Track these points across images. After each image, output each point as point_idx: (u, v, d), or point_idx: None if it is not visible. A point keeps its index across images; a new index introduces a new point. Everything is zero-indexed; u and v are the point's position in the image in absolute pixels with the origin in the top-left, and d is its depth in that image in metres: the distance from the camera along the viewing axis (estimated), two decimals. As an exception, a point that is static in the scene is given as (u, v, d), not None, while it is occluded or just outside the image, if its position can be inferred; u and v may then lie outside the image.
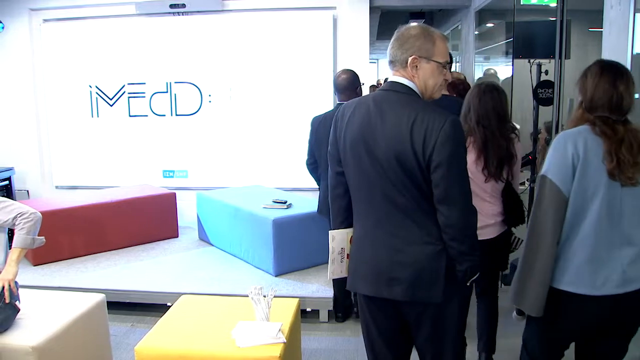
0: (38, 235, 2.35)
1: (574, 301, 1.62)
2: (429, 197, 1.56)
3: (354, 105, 1.68)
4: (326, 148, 2.83)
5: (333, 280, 3.26)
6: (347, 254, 1.79)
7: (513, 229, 2.51)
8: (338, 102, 3.24)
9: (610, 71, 1.63)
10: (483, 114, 2.31)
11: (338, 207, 1.80)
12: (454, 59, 5.73)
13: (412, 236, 1.60)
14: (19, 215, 2.28)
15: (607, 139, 1.57)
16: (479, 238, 1.78)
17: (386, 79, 4.78)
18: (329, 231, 1.79)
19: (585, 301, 1.60)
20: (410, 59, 1.58)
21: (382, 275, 1.63)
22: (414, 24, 1.66)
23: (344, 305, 3.30)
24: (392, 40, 1.63)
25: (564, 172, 1.59)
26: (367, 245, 1.68)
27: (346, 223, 1.80)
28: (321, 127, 3.17)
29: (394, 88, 1.61)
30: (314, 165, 3.34)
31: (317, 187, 3.45)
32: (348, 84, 3.06)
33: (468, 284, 1.70)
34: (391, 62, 1.64)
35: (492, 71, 4.92)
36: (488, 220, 2.35)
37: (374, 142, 1.58)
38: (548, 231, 1.61)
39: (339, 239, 1.79)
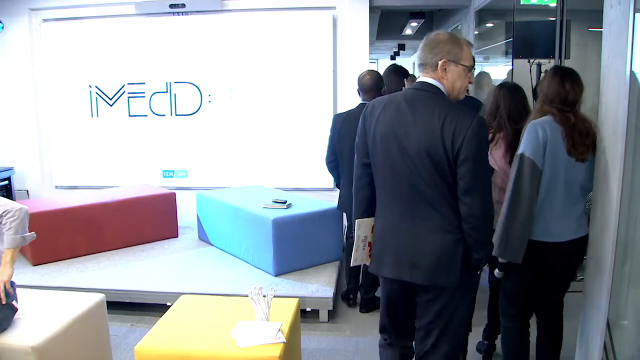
0: (29, 231, 2.28)
1: (545, 248, 2.12)
2: (453, 189, 1.70)
3: (384, 102, 1.82)
4: (350, 145, 3.06)
5: (350, 270, 3.47)
6: (369, 242, 1.91)
7: None
8: (361, 102, 3.27)
9: (560, 74, 2.16)
10: (515, 110, 2.44)
11: (362, 196, 1.91)
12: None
13: (434, 225, 1.74)
14: (4, 214, 2.20)
15: (563, 125, 2.07)
16: None
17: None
18: (356, 220, 1.89)
19: (551, 247, 2.12)
20: (440, 62, 1.72)
21: (404, 261, 1.78)
22: (442, 30, 1.80)
23: (364, 297, 3.41)
24: (422, 45, 1.77)
25: (537, 150, 2.05)
26: (391, 232, 1.82)
27: (368, 212, 1.91)
28: (344, 125, 3.23)
29: (424, 88, 1.76)
30: (334, 163, 3.36)
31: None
32: (373, 84, 3.18)
33: (479, 272, 1.88)
34: (421, 65, 1.78)
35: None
36: None
37: (406, 136, 1.72)
38: (527, 196, 2.05)
39: (364, 227, 1.89)
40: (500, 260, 2.22)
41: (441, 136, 1.65)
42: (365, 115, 1.86)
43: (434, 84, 1.74)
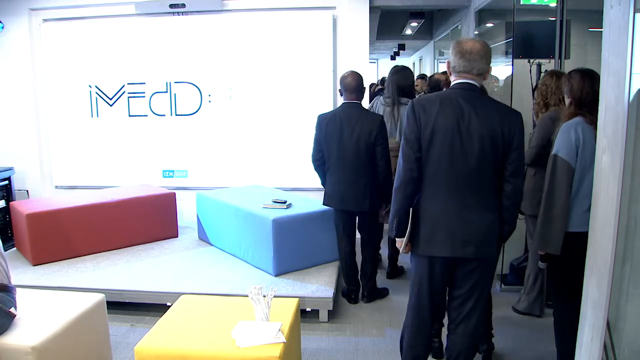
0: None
1: (577, 238, 2.21)
2: (498, 174, 2.05)
3: (437, 100, 2.06)
4: (335, 144, 3.30)
5: (344, 270, 3.59)
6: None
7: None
8: (345, 102, 3.33)
9: (589, 76, 2.32)
10: None
11: (413, 188, 2.11)
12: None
13: (480, 207, 2.06)
14: None
15: (593, 125, 2.14)
16: None
17: (383, 78, 4.83)
18: (410, 208, 2.11)
19: (582, 237, 2.14)
20: (488, 70, 2.08)
21: (457, 239, 2.05)
22: (476, 38, 2.05)
23: (366, 285, 3.54)
24: (475, 53, 2.01)
25: (571, 150, 2.23)
26: (445, 217, 2.06)
27: (412, 202, 2.13)
28: (330, 124, 3.31)
29: (472, 88, 2.06)
30: (321, 161, 3.42)
31: (319, 187, 3.49)
32: (358, 85, 3.30)
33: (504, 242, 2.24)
34: (470, 71, 2.04)
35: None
36: None
37: (469, 129, 2.00)
38: (563, 194, 2.24)
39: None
40: (540, 252, 2.39)
41: (500, 128, 1.99)
42: (415, 113, 2.05)
43: (476, 84, 2.06)
